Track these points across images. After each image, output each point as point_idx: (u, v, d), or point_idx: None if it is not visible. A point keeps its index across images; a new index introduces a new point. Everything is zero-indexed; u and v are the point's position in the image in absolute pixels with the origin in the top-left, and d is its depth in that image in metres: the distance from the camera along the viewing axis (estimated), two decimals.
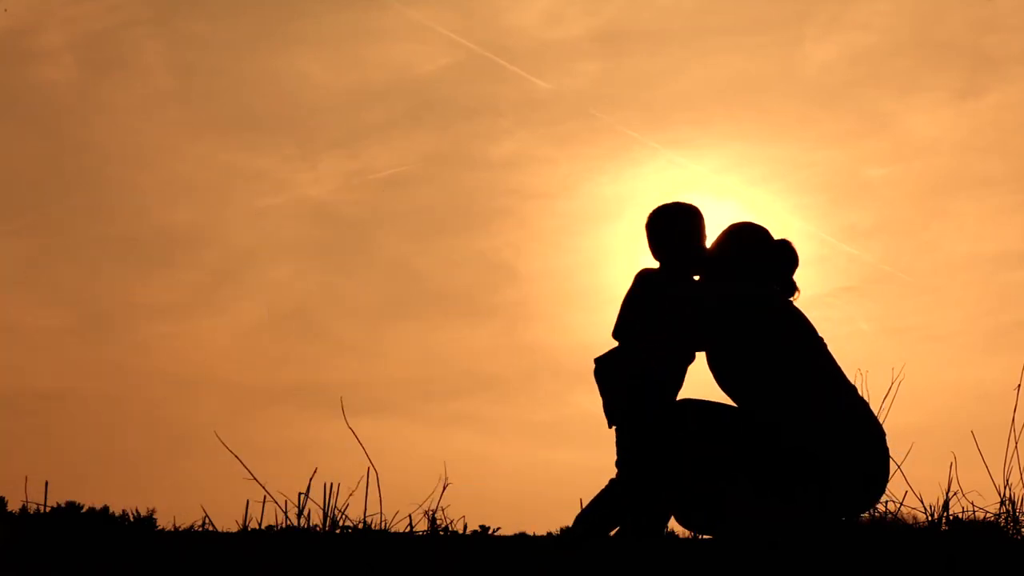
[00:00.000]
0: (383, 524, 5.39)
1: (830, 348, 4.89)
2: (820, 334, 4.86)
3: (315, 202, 16.16)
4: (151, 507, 6.26)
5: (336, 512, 5.37)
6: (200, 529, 5.72)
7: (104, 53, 15.55)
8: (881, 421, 4.96)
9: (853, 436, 4.69)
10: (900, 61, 15.02)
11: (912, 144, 15.29)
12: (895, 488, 5.01)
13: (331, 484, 5.37)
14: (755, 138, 14.85)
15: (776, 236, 5.02)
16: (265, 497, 5.34)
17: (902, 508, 5.19)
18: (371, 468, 5.29)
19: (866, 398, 4.93)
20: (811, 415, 4.68)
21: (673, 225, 5.09)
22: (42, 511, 5.72)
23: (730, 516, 4.68)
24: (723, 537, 4.79)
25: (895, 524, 5.17)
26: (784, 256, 4.98)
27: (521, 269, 16.37)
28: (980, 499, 5.22)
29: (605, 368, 5.00)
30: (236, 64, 15.74)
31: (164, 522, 6.14)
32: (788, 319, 4.82)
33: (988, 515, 5.19)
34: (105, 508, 6.57)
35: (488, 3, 15.19)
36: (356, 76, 15.77)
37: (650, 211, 5.15)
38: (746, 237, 5.00)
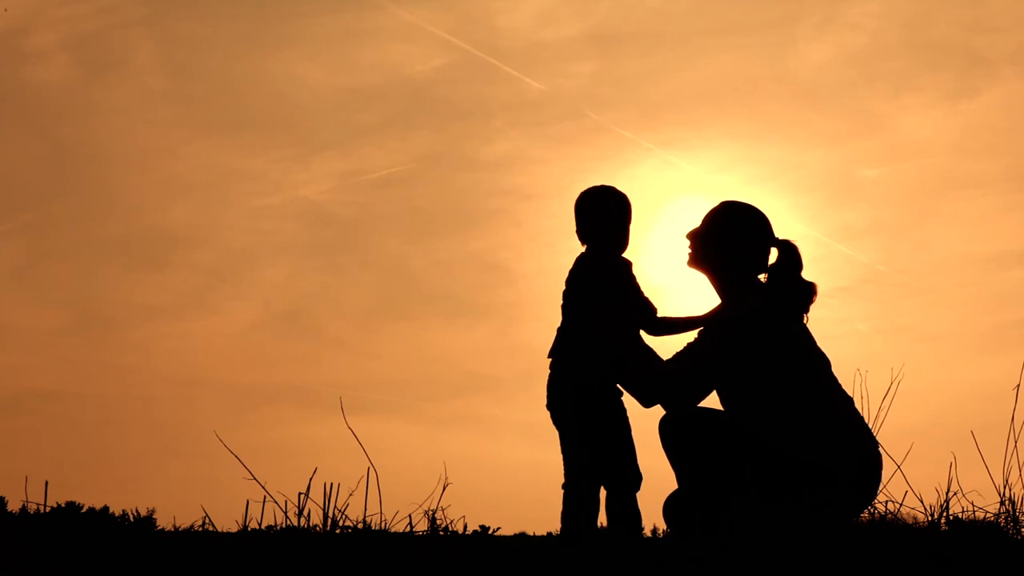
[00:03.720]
0: (383, 524, 5.39)
1: (826, 346, 4.92)
2: (823, 350, 4.89)
3: (310, 203, 16.18)
4: (151, 507, 6.25)
5: (336, 512, 5.37)
6: (200, 529, 5.72)
7: (99, 54, 15.55)
8: (880, 421, 4.99)
9: (848, 448, 4.71)
10: (893, 62, 15.07)
11: (905, 144, 15.33)
12: (895, 488, 5.03)
13: (331, 484, 5.38)
14: (749, 138, 14.88)
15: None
16: (265, 497, 5.34)
17: (902, 508, 5.20)
18: (371, 468, 5.29)
19: (865, 398, 4.96)
20: (808, 432, 4.71)
21: (606, 209, 5.13)
22: (42, 511, 5.71)
23: (733, 520, 4.70)
24: (723, 537, 4.80)
25: (895, 524, 5.18)
26: (788, 257, 4.99)
27: (515, 269, 16.38)
28: (980, 499, 5.24)
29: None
30: (231, 65, 15.74)
31: (164, 522, 6.13)
32: (792, 341, 4.84)
33: (988, 515, 5.20)
34: (105, 508, 6.56)
35: (481, 4, 15.21)
36: (350, 77, 15.78)
37: (580, 192, 5.20)
38: (746, 221, 5.03)
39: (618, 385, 5.07)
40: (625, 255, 5.15)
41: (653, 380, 4.94)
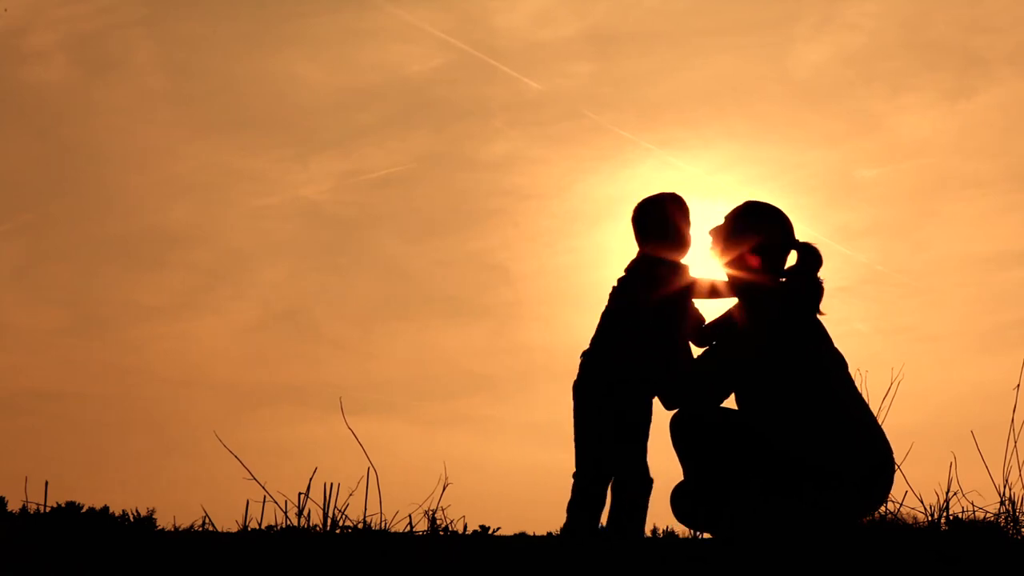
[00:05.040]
0: (383, 524, 5.39)
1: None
2: (840, 351, 4.88)
3: (308, 203, 16.16)
4: (151, 507, 6.25)
5: (336, 512, 5.37)
6: (200, 529, 5.72)
7: (99, 54, 15.55)
8: (881, 421, 4.97)
9: (855, 452, 4.69)
10: (890, 62, 15.05)
11: (904, 145, 15.32)
12: (895, 488, 5.02)
13: (331, 484, 5.38)
14: (748, 139, 14.87)
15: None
16: (265, 497, 5.34)
17: (902, 508, 5.21)
18: (371, 468, 5.29)
19: (865, 398, 4.95)
20: (816, 435, 4.70)
21: (663, 214, 5.15)
22: (42, 511, 5.72)
23: (735, 517, 4.69)
24: (725, 537, 4.80)
25: (895, 524, 5.18)
26: (809, 259, 4.98)
27: (514, 270, 16.36)
28: (980, 499, 5.24)
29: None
30: (230, 65, 15.74)
31: (164, 522, 6.14)
32: (808, 343, 4.83)
33: (988, 515, 5.20)
34: (105, 508, 6.56)
35: (479, 4, 15.19)
36: (349, 77, 15.77)
37: (638, 202, 5.22)
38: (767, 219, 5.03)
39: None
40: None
41: (678, 383, 4.93)
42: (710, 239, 5.11)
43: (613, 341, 5.10)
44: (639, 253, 5.20)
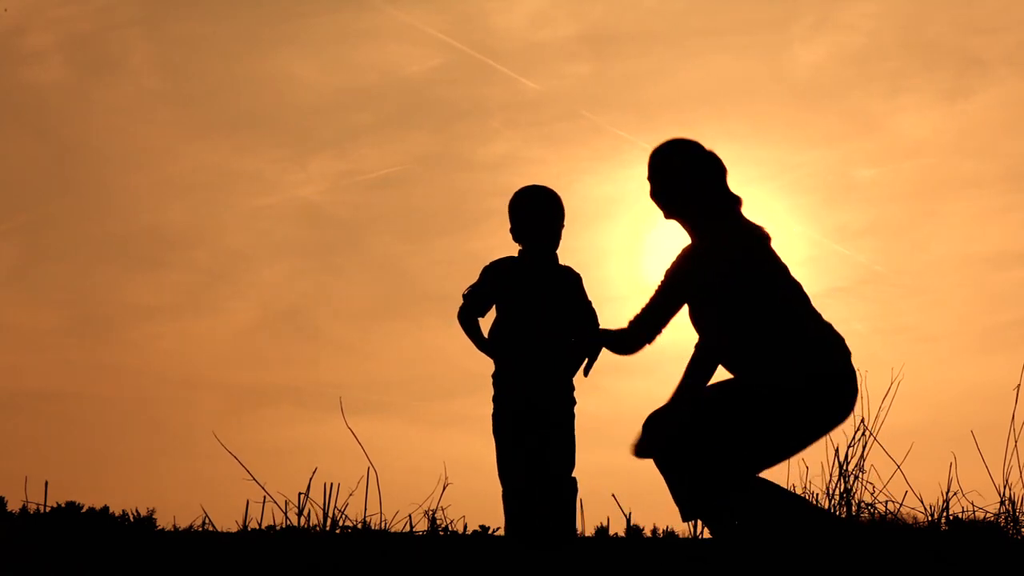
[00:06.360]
0: (383, 524, 5.39)
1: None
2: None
3: (307, 203, 16.16)
4: (151, 507, 6.26)
5: (336, 512, 5.37)
6: (200, 529, 5.73)
7: (95, 54, 15.55)
8: (881, 421, 4.97)
9: (816, 367, 4.62)
10: (888, 62, 15.06)
11: (901, 145, 15.33)
12: (895, 488, 5.03)
13: (331, 484, 5.38)
14: (746, 139, 14.87)
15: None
16: (265, 497, 5.34)
17: (902, 508, 5.21)
18: (371, 468, 5.29)
19: (865, 398, 4.95)
20: (775, 353, 4.62)
21: (537, 208, 5.27)
22: (42, 511, 5.72)
23: (736, 518, 4.68)
24: (725, 537, 4.79)
25: (895, 524, 5.18)
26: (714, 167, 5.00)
27: None
28: (980, 499, 5.24)
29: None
30: (227, 65, 15.74)
31: (164, 522, 6.15)
32: (766, 262, 4.79)
33: (988, 515, 5.21)
34: (105, 508, 6.57)
35: (477, 4, 15.20)
36: (346, 77, 15.78)
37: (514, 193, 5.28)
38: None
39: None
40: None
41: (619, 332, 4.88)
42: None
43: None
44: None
